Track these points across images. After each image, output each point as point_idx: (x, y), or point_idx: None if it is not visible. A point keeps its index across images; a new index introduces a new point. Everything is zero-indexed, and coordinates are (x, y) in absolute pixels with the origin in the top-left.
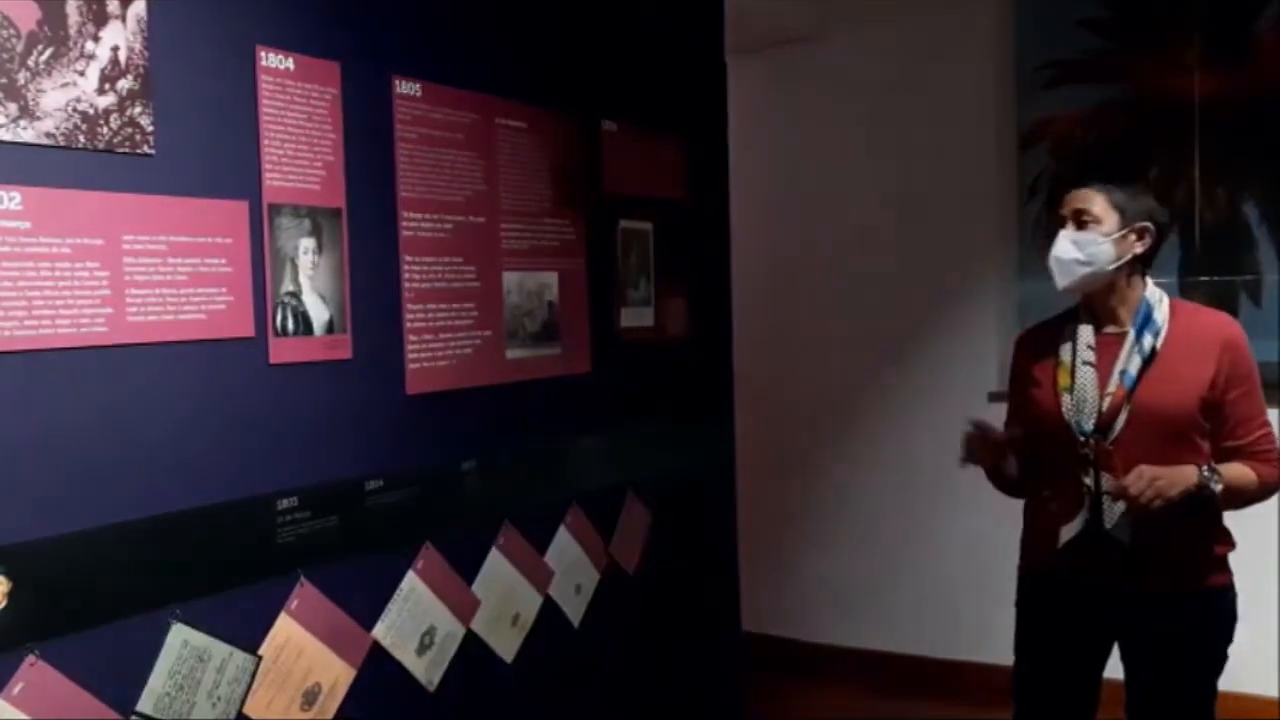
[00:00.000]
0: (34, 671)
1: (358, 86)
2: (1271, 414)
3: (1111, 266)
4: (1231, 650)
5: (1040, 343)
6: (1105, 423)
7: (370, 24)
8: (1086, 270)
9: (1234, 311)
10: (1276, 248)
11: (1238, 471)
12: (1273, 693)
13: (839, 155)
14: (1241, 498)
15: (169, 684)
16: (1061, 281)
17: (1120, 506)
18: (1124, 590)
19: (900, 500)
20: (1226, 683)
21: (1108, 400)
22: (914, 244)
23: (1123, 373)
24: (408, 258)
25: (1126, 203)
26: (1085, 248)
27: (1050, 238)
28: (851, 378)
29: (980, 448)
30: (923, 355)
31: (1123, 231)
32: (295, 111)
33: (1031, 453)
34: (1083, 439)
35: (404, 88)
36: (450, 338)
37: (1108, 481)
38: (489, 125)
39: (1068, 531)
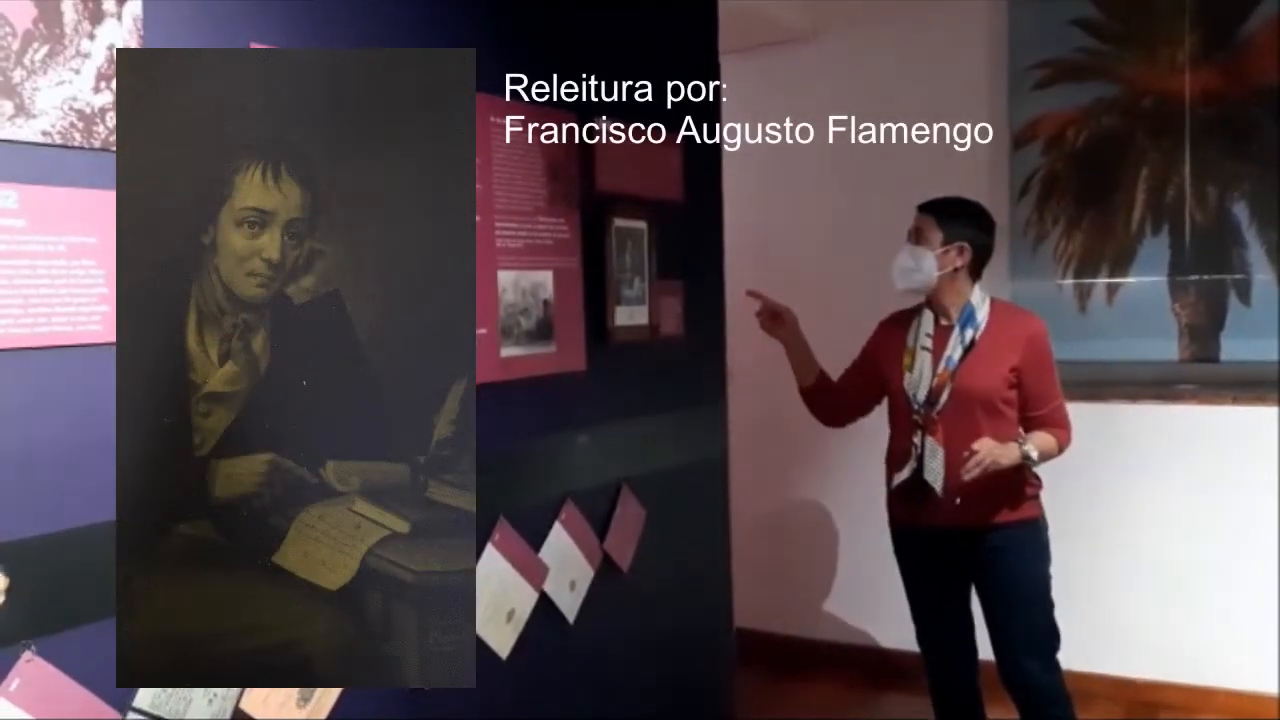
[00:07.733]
0: (31, 668)
1: None
2: (1271, 412)
3: (935, 275)
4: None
5: (895, 327)
6: (933, 397)
7: (362, 22)
8: (917, 276)
9: (1223, 311)
10: (1266, 247)
11: (1045, 440)
12: (1273, 692)
13: (831, 154)
14: (1049, 458)
15: None
16: (898, 284)
17: (938, 462)
18: (954, 530)
19: None
20: (1226, 681)
21: (936, 379)
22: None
23: (948, 358)
24: None
25: (950, 227)
26: (917, 259)
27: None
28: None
29: (761, 317)
30: None
31: (944, 249)
32: None
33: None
34: (916, 408)
35: None
36: None
37: (973, 447)
38: (483, 123)
39: (899, 477)
